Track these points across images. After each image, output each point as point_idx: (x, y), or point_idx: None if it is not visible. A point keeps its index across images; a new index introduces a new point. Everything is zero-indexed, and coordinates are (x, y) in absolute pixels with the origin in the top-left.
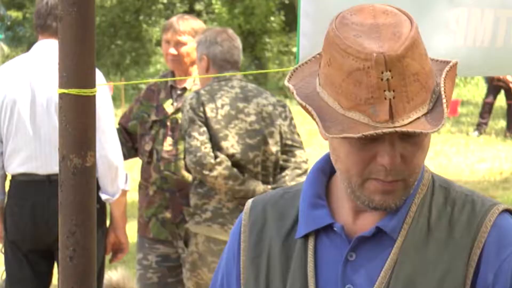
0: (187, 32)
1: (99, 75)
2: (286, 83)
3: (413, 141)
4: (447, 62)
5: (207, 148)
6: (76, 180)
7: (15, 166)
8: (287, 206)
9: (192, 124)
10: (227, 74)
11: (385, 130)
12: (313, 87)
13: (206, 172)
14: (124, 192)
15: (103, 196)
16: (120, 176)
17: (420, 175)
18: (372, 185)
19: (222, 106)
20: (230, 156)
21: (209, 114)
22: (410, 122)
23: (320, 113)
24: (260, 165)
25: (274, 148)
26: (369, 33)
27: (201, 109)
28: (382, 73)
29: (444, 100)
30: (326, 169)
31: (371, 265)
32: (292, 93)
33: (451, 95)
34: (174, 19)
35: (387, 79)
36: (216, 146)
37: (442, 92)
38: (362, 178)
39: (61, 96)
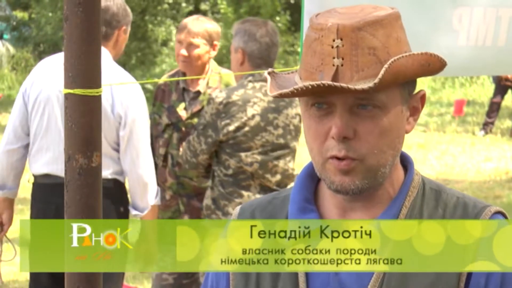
0: (201, 34)
1: (128, 76)
2: (265, 73)
3: (365, 115)
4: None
5: (203, 159)
6: (82, 181)
7: (40, 165)
8: (276, 211)
9: (207, 128)
10: (237, 73)
11: (312, 83)
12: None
13: (186, 167)
14: (154, 207)
15: (133, 211)
16: (150, 192)
17: (388, 166)
18: (331, 165)
19: (253, 116)
20: (249, 165)
21: (235, 125)
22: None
23: (277, 82)
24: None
25: (291, 164)
26: (340, 15)
27: (227, 121)
28: (334, 40)
29: (386, 65)
30: (314, 174)
31: None
32: (265, 73)
33: (407, 72)
34: (189, 20)
35: (337, 46)
36: (233, 155)
37: (390, 60)
38: (322, 157)
39: (67, 96)
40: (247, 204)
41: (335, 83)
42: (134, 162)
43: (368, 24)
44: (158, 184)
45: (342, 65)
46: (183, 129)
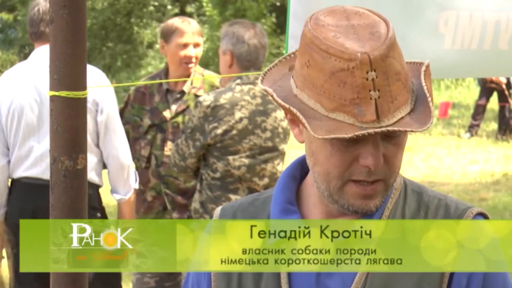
0: (198, 33)
1: (102, 76)
2: (260, 85)
3: (395, 141)
4: (420, 63)
5: (192, 163)
6: (67, 183)
7: (21, 171)
8: (258, 212)
9: (195, 131)
10: (225, 76)
11: (377, 130)
12: (289, 89)
13: (174, 170)
14: (134, 191)
15: (116, 197)
16: (131, 175)
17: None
18: (351, 188)
19: (241, 119)
20: (237, 168)
21: (223, 128)
22: (396, 122)
23: (304, 115)
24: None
25: (279, 167)
26: (346, 33)
27: (214, 124)
28: (367, 73)
29: (429, 99)
30: (296, 175)
31: None
32: (272, 95)
33: (432, 94)
34: (181, 23)
35: (372, 79)
36: (221, 158)
37: (426, 91)
38: (342, 180)
39: (52, 98)
40: (228, 205)
41: (406, 129)
42: (115, 147)
43: (390, 49)
44: (140, 186)
45: (379, 97)
46: (169, 128)
